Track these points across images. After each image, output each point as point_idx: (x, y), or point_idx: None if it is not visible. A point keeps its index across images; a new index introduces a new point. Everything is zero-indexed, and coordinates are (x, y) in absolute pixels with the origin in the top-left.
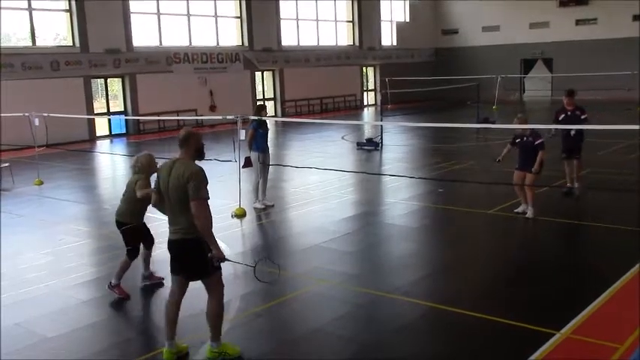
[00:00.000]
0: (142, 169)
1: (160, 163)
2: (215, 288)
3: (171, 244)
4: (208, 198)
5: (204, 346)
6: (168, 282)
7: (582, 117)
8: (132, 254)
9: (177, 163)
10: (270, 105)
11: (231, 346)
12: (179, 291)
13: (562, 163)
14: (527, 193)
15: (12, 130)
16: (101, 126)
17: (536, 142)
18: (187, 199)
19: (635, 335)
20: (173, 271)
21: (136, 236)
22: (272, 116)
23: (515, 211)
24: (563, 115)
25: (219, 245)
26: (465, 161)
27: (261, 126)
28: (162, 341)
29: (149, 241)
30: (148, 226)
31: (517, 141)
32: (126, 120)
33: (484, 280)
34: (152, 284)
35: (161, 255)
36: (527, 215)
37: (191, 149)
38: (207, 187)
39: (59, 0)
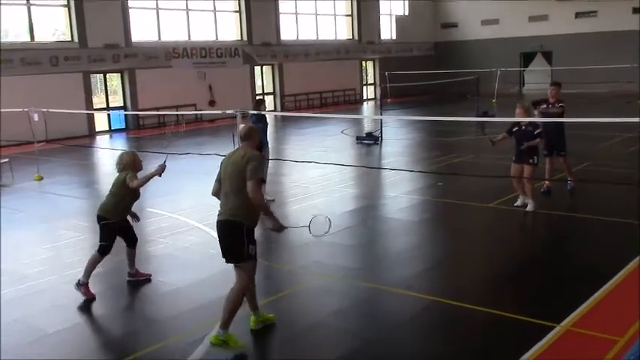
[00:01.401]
0: (127, 167)
1: (148, 156)
2: (243, 276)
3: (217, 225)
4: (265, 180)
5: (208, 336)
6: (163, 277)
7: (557, 105)
8: (103, 251)
9: (239, 149)
10: (269, 99)
11: (236, 339)
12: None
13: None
14: (526, 186)
15: (11, 125)
16: (100, 121)
17: (536, 132)
18: (242, 181)
19: (634, 328)
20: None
21: (113, 234)
22: (272, 111)
23: (515, 205)
24: (544, 106)
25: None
26: (464, 154)
27: (261, 120)
28: (164, 335)
29: (132, 239)
30: (149, 220)
31: (514, 130)
32: (125, 115)
33: (484, 274)
34: (137, 280)
35: (163, 250)
36: (527, 208)
37: (254, 142)
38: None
39: None
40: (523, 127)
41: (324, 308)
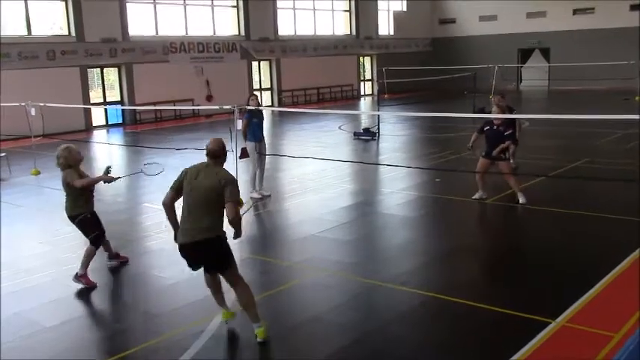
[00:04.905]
0: (67, 163)
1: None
2: (238, 277)
3: (196, 246)
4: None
5: (204, 333)
6: (160, 272)
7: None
8: (96, 241)
9: (208, 167)
10: (267, 95)
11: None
12: (213, 277)
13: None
14: (510, 181)
15: (8, 119)
16: (98, 116)
17: (506, 133)
18: (217, 201)
19: (629, 324)
20: (197, 268)
21: (94, 223)
22: (269, 106)
23: (474, 197)
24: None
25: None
26: (461, 151)
27: (255, 115)
28: (161, 329)
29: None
30: (146, 215)
31: (486, 129)
32: (122, 110)
33: (480, 270)
34: (121, 263)
35: (160, 244)
36: (520, 202)
37: (224, 161)
38: None
39: None
40: (495, 126)
41: (322, 303)
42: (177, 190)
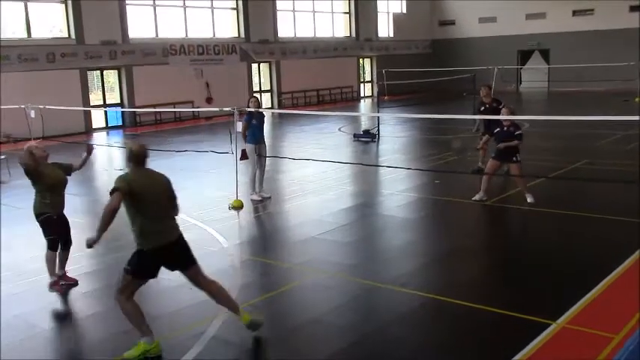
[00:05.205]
0: (29, 162)
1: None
2: (204, 274)
3: (170, 247)
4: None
5: (204, 335)
6: (162, 273)
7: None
8: (53, 245)
9: (145, 171)
10: (266, 97)
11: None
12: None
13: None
14: (518, 182)
15: (8, 122)
16: (97, 118)
17: (516, 133)
18: (170, 201)
19: (630, 325)
20: (154, 274)
21: (57, 226)
22: (269, 108)
23: (474, 199)
24: (482, 108)
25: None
26: (461, 152)
27: (255, 117)
28: (162, 331)
29: (65, 241)
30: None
31: (496, 130)
32: (122, 112)
33: (480, 271)
34: (67, 284)
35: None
36: (528, 201)
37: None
38: None
39: None
40: (505, 127)
41: (322, 304)
42: (124, 193)
